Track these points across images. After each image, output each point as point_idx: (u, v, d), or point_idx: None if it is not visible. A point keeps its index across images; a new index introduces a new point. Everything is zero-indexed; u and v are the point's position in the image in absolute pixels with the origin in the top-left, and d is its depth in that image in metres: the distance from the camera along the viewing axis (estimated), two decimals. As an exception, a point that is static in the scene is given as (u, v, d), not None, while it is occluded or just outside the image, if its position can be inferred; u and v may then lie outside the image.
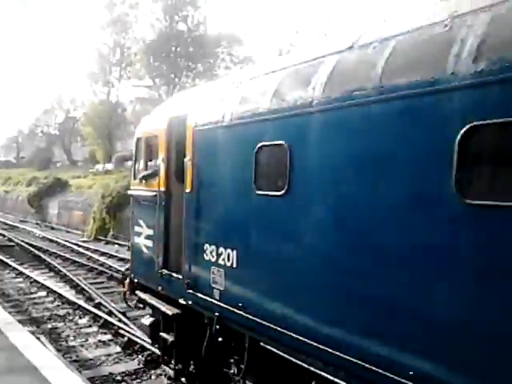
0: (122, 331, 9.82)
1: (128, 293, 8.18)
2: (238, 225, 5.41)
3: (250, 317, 5.03)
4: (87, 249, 21.33)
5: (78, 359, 8.63)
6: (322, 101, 4.28)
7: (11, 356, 5.23)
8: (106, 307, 11.62)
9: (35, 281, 14.91)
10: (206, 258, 5.78)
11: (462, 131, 3.11)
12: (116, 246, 22.93)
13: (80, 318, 11.27)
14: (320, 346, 4.12)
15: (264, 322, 4.81)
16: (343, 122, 4.12)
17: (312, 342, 4.20)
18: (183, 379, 6.98)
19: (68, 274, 15.53)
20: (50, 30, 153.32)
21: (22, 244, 22.03)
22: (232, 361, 5.72)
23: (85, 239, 25.76)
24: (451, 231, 3.23)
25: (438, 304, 3.30)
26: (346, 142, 4.07)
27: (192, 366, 6.76)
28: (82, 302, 12.15)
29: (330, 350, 4.02)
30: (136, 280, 7.85)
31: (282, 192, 4.60)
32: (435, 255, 3.31)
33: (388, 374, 3.53)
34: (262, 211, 5.03)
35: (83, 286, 13.92)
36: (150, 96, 52.11)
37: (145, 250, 7.49)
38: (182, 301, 6.33)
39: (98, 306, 11.88)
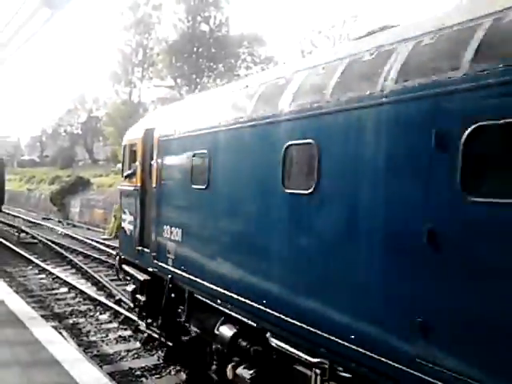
0: (141, 327, 9.92)
1: (118, 267, 10.12)
2: (182, 211, 7.37)
3: (187, 276, 6.95)
4: (108, 246, 21.56)
5: (98, 354, 8.75)
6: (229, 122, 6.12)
7: (35, 350, 5.34)
8: (127, 303, 11.75)
9: (57, 277, 15.15)
10: (165, 235, 7.67)
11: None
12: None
13: (101, 313, 11.45)
14: (230, 294, 5.86)
15: (196, 279, 6.70)
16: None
17: (225, 291, 5.97)
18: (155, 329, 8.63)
19: (89, 270, 15.74)
20: (75, 31, 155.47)
21: (45, 241, 22.39)
22: (180, 310, 7.55)
23: (106, 237, 25.98)
24: None
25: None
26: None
27: (160, 320, 8.34)
28: (102, 299, 12.32)
29: (234, 296, 5.77)
30: (123, 256, 9.75)
31: (205, 186, 6.53)
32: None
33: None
34: (197, 201, 6.90)
35: (104, 282, 14.10)
36: (172, 96, 52.37)
37: (128, 232, 9.39)
38: (150, 269, 8.34)
39: (119, 302, 12.03)
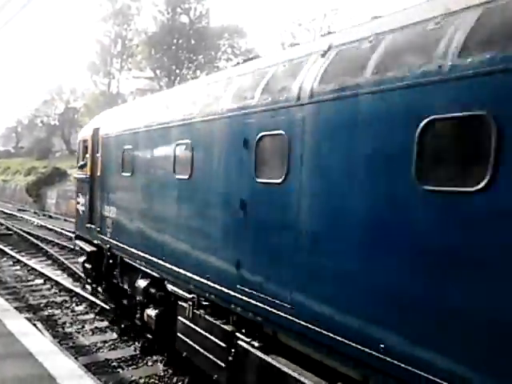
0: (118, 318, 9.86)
1: (74, 243, 12.36)
2: (116, 193, 9.23)
3: (119, 244, 8.78)
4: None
5: (74, 345, 8.68)
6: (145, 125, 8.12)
7: (8, 342, 5.27)
8: (103, 295, 11.65)
9: (33, 268, 14.96)
10: (105, 213, 9.58)
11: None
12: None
13: (77, 305, 11.37)
14: (144, 255, 7.67)
15: (124, 246, 8.51)
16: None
17: (140, 253, 7.84)
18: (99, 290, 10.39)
19: (65, 261, 15.57)
20: (52, 21, 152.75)
21: (20, 232, 22.05)
22: (115, 273, 9.33)
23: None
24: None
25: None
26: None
27: (103, 284, 10.15)
28: (78, 290, 12.20)
29: (146, 256, 7.58)
30: (78, 233, 11.67)
31: (130, 173, 8.36)
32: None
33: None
34: (126, 185, 8.71)
35: (80, 273, 13.94)
36: (151, 87, 51.98)
37: (81, 212, 11.37)
38: (95, 241, 10.13)
39: (96, 293, 11.91)
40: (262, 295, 4.84)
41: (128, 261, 8.50)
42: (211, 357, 5.73)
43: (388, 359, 3.49)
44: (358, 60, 4.07)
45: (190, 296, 6.28)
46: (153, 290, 7.61)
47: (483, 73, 3.03)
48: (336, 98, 4.12)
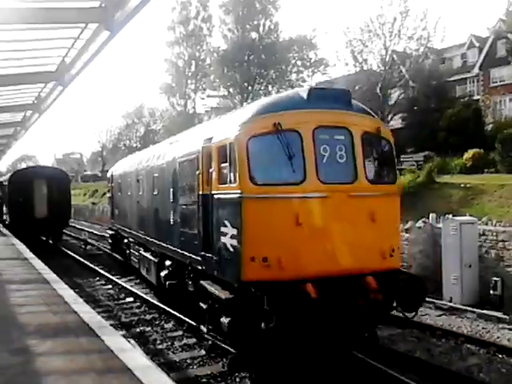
0: (206, 335, 10.10)
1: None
2: (118, 202, 19.21)
3: (122, 228, 17.79)
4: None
5: (165, 362, 8.95)
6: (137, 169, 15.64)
7: (107, 358, 5.53)
8: (117, 253, 11.91)
9: (123, 287, 15.68)
10: (115, 213, 19.64)
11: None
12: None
13: (166, 322, 11.71)
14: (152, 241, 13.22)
15: (131, 231, 16.13)
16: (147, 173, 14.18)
17: (140, 236, 14.83)
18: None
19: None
20: (130, 48, 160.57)
21: (110, 253, 23.17)
22: (124, 247, 17.71)
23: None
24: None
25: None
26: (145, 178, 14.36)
27: (117, 250, 19.61)
28: (167, 308, 12.62)
29: (153, 242, 13.15)
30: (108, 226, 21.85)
31: (129, 193, 16.50)
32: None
33: (149, 239, 13.52)
34: (121, 198, 18.31)
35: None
36: (225, 105, 53.12)
37: (109, 212, 22.01)
38: (113, 228, 19.99)
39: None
40: (153, 240, 13.02)
41: (124, 234, 17.68)
42: (147, 266, 13.82)
43: (177, 250, 10.57)
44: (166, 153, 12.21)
45: (140, 242, 14.88)
46: (141, 251, 14.74)
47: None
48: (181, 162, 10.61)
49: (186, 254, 9.77)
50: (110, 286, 16.25)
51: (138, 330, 11.18)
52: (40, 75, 12.44)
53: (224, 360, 8.91)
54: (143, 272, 14.37)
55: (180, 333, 10.81)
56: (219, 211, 7.99)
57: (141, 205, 14.49)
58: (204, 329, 9.64)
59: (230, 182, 7.59)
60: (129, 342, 8.14)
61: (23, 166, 69.29)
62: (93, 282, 17.19)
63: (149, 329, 11.23)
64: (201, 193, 8.76)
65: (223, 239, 7.74)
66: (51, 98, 14.92)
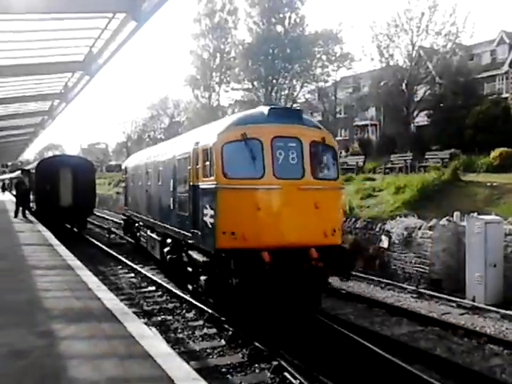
0: (226, 325, 10.18)
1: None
2: (130, 190, 21.27)
3: (137, 215, 19.02)
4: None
5: (185, 350, 9.06)
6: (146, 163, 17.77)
7: (129, 344, 5.60)
8: (211, 302, 12.08)
9: (145, 276, 15.87)
10: (128, 200, 21.66)
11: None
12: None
13: (187, 311, 11.85)
14: (156, 223, 15.59)
15: (135, 214, 19.43)
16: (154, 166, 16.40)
17: (148, 219, 16.91)
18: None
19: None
20: (156, 39, 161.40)
21: (133, 241, 23.43)
22: (135, 230, 20.10)
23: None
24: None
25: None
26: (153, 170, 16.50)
27: (129, 233, 22.60)
28: (188, 297, 12.74)
29: (157, 224, 15.50)
30: (126, 212, 22.76)
31: (133, 183, 20.21)
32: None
33: (155, 222, 15.80)
34: (132, 187, 20.47)
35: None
36: (249, 98, 53.07)
37: (123, 201, 23.76)
38: (126, 214, 22.21)
39: (204, 300, 12.39)
40: (158, 222, 15.21)
41: (135, 219, 19.72)
42: (153, 244, 16.12)
43: (175, 230, 12.79)
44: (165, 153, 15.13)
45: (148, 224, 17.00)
46: (148, 232, 17.02)
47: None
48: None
49: (181, 232, 12.16)
50: (133, 275, 16.47)
51: (159, 318, 11.32)
52: (67, 65, 12.61)
53: (244, 350, 8.97)
54: (150, 250, 17.04)
55: (201, 322, 10.91)
56: (203, 198, 10.50)
57: (149, 193, 16.98)
58: (190, 287, 12.35)
59: (210, 175, 10.09)
60: (150, 329, 8.24)
61: (50, 154, 70.37)
62: (116, 270, 17.44)
63: (170, 317, 11.36)
64: (191, 184, 11.24)
65: (205, 218, 10.28)
66: (78, 87, 15.13)
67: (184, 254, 12.04)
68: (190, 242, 11.40)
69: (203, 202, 10.48)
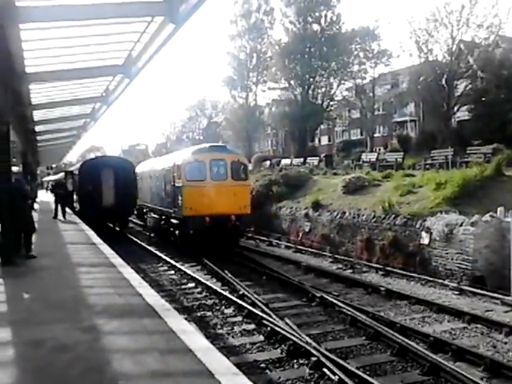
0: (265, 321, 10.25)
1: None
2: (142, 188, 27.38)
3: (145, 204, 26.77)
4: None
5: (224, 345, 9.17)
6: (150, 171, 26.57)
7: (170, 338, 5.71)
8: (250, 298, 12.21)
9: (185, 273, 16.12)
10: (140, 195, 27.27)
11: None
12: (257, 241, 23.83)
13: (226, 307, 11.99)
14: (156, 207, 24.10)
15: (147, 204, 26.32)
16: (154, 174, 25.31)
17: (151, 205, 25.44)
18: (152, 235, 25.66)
19: (214, 267, 16.52)
20: (193, 42, 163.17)
21: (172, 239, 23.77)
22: (143, 214, 28.21)
23: (228, 236, 27.01)
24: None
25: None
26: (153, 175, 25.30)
27: (141, 219, 30.78)
28: (227, 293, 12.89)
29: (156, 208, 24.04)
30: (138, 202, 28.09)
31: (142, 183, 27.36)
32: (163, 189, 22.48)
33: (155, 207, 24.13)
34: (143, 186, 27.28)
35: (228, 278, 14.74)
36: (286, 97, 53.00)
37: (140, 195, 27.60)
38: (138, 204, 27.62)
39: (242, 297, 12.54)
40: (156, 206, 23.73)
41: (143, 207, 27.00)
42: (154, 222, 24.50)
43: (166, 210, 21.43)
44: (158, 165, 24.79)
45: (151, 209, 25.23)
46: (157, 218, 23.46)
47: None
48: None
49: (168, 209, 21.06)
50: (173, 272, 16.76)
51: (198, 314, 11.50)
52: (108, 69, 12.86)
53: (283, 346, 9.02)
54: (152, 225, 25.39)
55: (239, 318, 11.03)
56: (177, 191, 19.54)
57: (151, 189, 25.38)
58: (172, 238, 20.89)
59: (180, 179, 19.25)
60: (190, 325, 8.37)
61: (91, 156, 72.13)
62: (156, 267, 17.78)
63: (209, 313, 11.53)
64: (172, 184, 20.23)
65: (178, 201, 19.30)
66: (118, 90, 15.39)
67: (168, 221, 21.23)
68: (171, 214, 20.51)
69: (177, 193, 19.58)
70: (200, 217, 18.11)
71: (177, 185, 19.59)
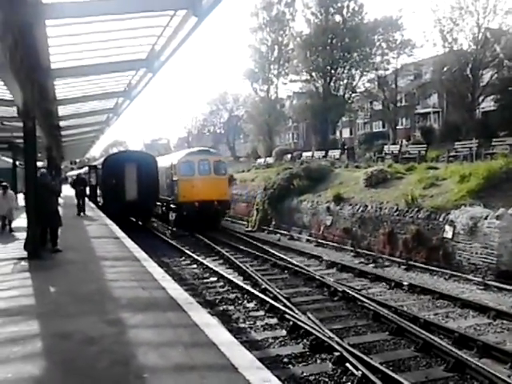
0: (287, 316, 10.27)
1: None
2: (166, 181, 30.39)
3: (161, 197, 30.34)
4: (251, 237, 22.52)
5: (247, 340, 9.21)
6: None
7: (194, 332, 5.76)
8: (272, 292, 12.23)
9: (207, 267, 16.22)
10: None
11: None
12: (278, 235, 23.84)
13: (248, 302, 12.04)
14: (160, 196, 28.93)
15: (164, 197, 29.29)
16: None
17: (160, 197, 29.09)
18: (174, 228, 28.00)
19: (235, 261, 16.60)
20: (215, 35, 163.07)
21: (195, 234, 23.98)
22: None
23: (249, 229, 27.15)
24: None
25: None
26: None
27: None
28: (249, 288, 12.93)
29: (160, 197, 28.91)
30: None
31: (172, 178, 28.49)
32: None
33: (164, 197, 28.34)
34: (169, 179, 28.51)
35: (250, 272, 14.79)
36: (307, 90, 52.67)
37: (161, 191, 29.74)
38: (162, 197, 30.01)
39: (264, 291, 12.56)
40: (161, 196, 28.05)
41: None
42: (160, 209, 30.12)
43: (167, 198, 27.66)
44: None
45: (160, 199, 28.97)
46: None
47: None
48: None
49: (168, 198, 26.87)
50: (195, 266, 16.88)
51: (221, 308, 11.57)
52: (131, 63, 12.92)
53: (305, 341, 9.02)
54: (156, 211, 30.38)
55: (262, 313, 11.06)
56: (175, 183, 26.10)
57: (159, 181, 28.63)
58: (170, 217, 27.18)
59: (176, 175, 25.99)
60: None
61: (114, 151, 72.85)
62: (179, 261, 17.94)
63: (232, 307, 11.58)
64: (172, 178, 26.43)
65: (175, 191, 25.86)
66: (141, 84, 15.47)
67: (168, 206, 27.53)
68: (170, 201, 26.74)
69: (174, 185, 25.96)
70: (191, 202, 24.44)
71: (174, 179, 26.08)
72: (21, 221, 15.99)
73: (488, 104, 37.18)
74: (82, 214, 22.20)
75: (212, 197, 24.81)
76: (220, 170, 26.33)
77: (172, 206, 26.62)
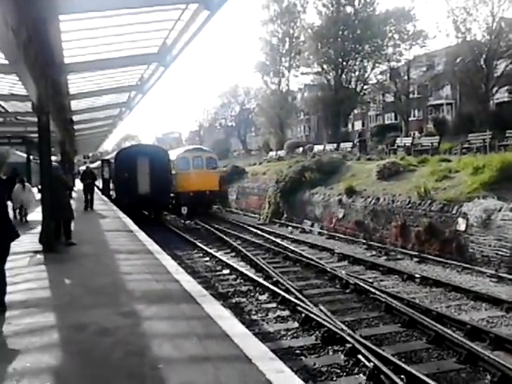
0: (299, 308, 10.32)
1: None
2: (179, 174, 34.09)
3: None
4: (263, 231, 22.58)
5: (260, 332, 9.26)
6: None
7: (207, 324, 5.82)
8: (284, 285, 12.29)
9: (220, 260, 16.32)
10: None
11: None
12: (290, 228, 23.87)
13: (260, 294, 12.09)
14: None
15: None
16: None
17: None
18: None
19: (248, 253, 16.67)
20: (226, 28, 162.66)
21: (207, 227, 24.12)
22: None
23: (261, 222, 27.21)
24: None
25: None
26: None
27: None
28: (261, 280, 12.99)
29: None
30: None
31: (186, 170, 32.26)
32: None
33: None
34: (184, 171, 32.35)
35: (262, 265, 14.85)
36: (319, 82, 52.44)
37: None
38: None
39: (276, 283, 12.61)
40: None
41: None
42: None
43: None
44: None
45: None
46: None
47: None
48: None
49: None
50: (208, 259, 16.98)
51: (233, 300, 11.65)
52: (143, 57, 12.96)
53: (317, 333, 9.07)
54: None
55: (274, 305, 11.11)
56: (173, 176, 29.66)
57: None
58: (170, 206, 30.79)
59: (174, 169, 30.14)
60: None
61: (127, 144, 73.18)
62: (191, 254, 18.06)
63: (244, 300, 11.66)
64: (172, 172, 29.61)
65: (175, 183, 29.58)
66: (153, 78, 15.51)
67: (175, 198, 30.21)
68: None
69: (175, 178, 29.51)
70: (187, 192, 29.24)
71: (173, 172, 29.82)
72: (35, 215, 16.19)
73: (502, 95, 36.86)
74: (88, 209, 21.43)
75: (204, 187, 30.23)
76: (211, 165, 31.83)
77: (172, 194, 30.26)
